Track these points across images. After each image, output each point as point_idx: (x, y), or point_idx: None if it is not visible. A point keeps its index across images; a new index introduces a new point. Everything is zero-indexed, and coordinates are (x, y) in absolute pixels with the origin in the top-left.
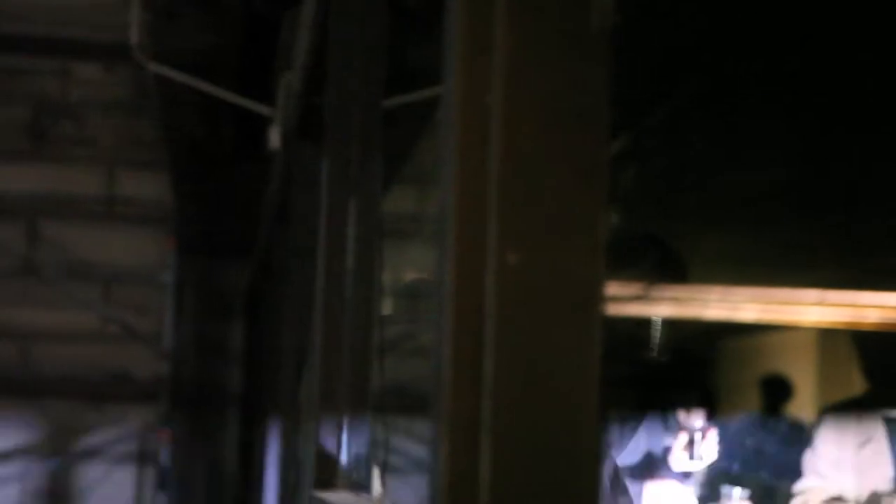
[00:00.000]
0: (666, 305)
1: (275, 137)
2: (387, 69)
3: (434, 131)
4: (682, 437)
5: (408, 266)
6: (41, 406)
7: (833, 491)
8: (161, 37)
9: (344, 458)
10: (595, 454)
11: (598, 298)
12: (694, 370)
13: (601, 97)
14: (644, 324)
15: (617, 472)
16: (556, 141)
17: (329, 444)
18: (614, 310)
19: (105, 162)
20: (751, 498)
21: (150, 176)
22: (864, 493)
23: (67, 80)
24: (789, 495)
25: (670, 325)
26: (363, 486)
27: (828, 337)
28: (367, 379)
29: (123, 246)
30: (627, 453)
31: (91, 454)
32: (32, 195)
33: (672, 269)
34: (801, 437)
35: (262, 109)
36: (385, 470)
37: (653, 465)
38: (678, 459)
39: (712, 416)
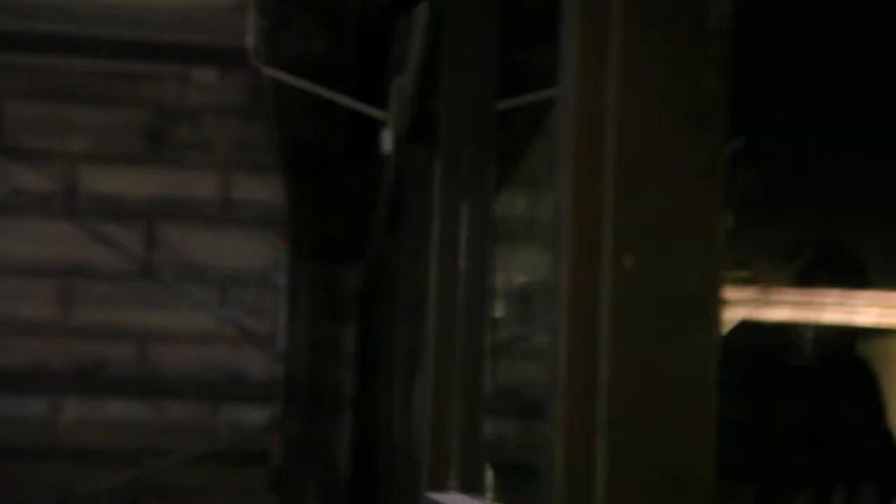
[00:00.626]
0: (784, 309)
1: (387, 141)
2: (499, 72)
3: (547, 133)
4: None
5: (519, 268)
6: (158, 406)
7: None
8: (276, 42)
9: (457, 459)
10: (711, 457)
11: (715, 301)
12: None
13: (717, 99)
14: (792, 328)
15: None
16: (672, 143)
17: (442, 445)
18: (761, 315)
19: (220, 166)
20: None
21: (264, 179)
22: None
23: (185, 86)
24: None
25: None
26: (476, 488)
27: None
28: (479, 381)
29: (238, 249)
30: None
31: (206, 454)
32: (150, 199)
33: (852, 274)
34: None
35: (375, 113)
36: (498, 471)
37: None
38: None
39: None
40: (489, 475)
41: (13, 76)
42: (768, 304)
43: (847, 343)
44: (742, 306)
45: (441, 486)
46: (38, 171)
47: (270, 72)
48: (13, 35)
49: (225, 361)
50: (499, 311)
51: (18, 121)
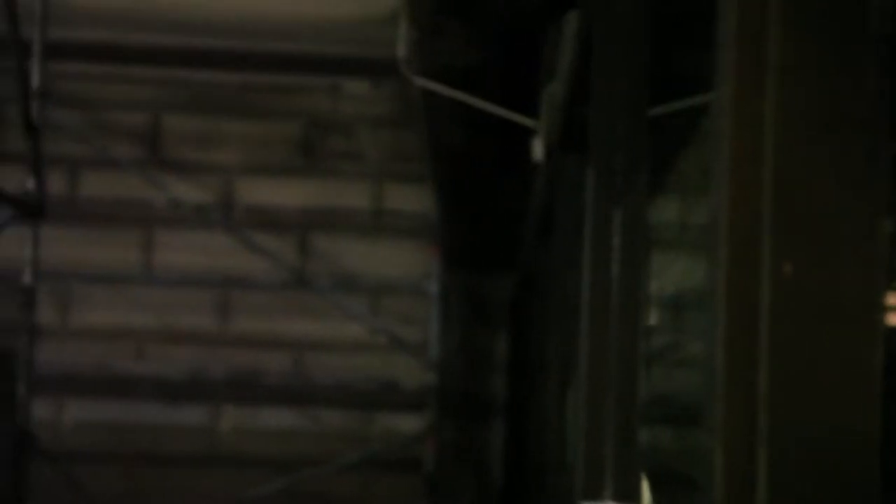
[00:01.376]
0: None
1: (538, 149)
2: (651, 78)
3: (700, 139)
4: None
5: (673, 276)
6: (313, 414)
7: None
8: (427, 52)
9: (612, 468)
10: (874, 467)
11: (877, 307)
12: None
13: (877, 101)
14: None
15: None
16: (832, 148)
17: (596, 454)
18: None
19: (372, 176)
20: None
21: (415, 189)
22: None
23: (337, 97)
24: None
25: None
26: (631, 497)
27: None
28: (634, 389)
29: (390, 258)
30: None
31: (360, 462)
32: (303, 209)
33: None
34: None
35: (526, 121)
36: (654, 480)
37: None
38: None
39: None
40: (644, 484)
41: (171, 91)
42: None
43: None
44: None
45: (596, 496)
46: (195, 183)
47: (421, 82)
48: (171, 50)
49: (378, 370)
50: (653, 318)
51: (176, 134)
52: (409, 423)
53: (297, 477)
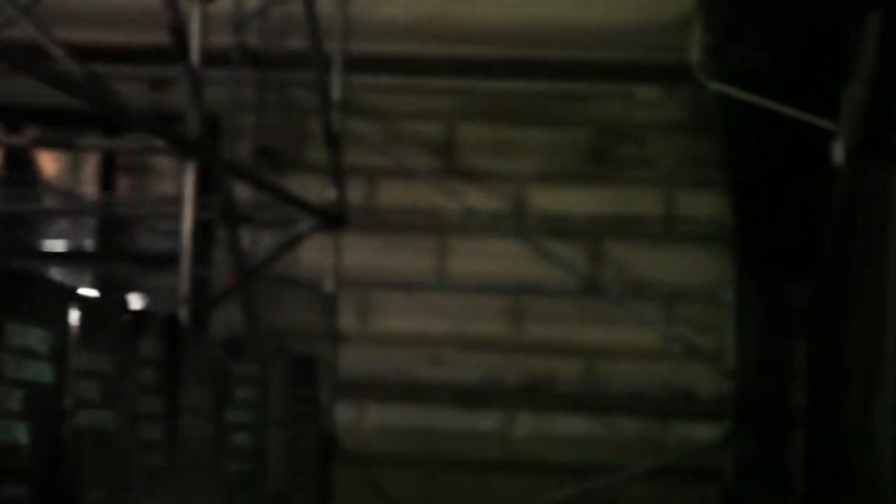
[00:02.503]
0: None
1: (838, 152)
2: None
3: None
4: None
5: None
6: (607, 421)
7: None
8: (721, 56)
9: None
10: None
11: None
12: None
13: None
14: None
15: None
16: None
17: None
18: None
19: (664, 182)
20: None
21: (709, 194)
22: None
23: (628, 103)
24: None
25: None
26: None
27: None
28: None
29: (683, 264)
30: None
31: (655, 470)
32: (595, 216)
33: None
34: None
35: (825, 124)
36: None
37: None
38: None
39: None
40: None
41: (464, 100)
42: None
43: None
44: None
45: None
46: (488, 191)
47: (716, 86)
48: (465, 61)
49: (672, 377)
50: None
51: (469, 143)
52: (705, 432)
53: (590, 484)
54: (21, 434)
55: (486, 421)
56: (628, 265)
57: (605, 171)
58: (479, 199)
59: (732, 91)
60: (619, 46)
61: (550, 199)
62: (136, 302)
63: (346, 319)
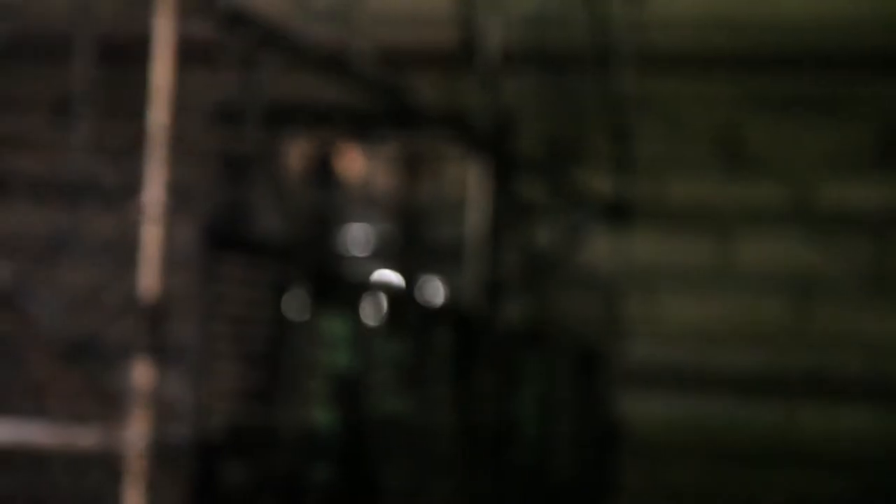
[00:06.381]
0: None
1: None
2: None
3: None
4: None
5: None
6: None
7: None
8: None
9: None
10: None
11: None
12: None
13: None
14: None
15: None
16: None
17: None
18: None
19: None
20: None
21: None
22: None
23: None
24: None
25: None
26: None
27: None
28: None
29: None
30: None
31: None
32: (882, 208)
33: None
34: None
35: None
36: None
37: None
38: None
39: None
40: None
41: (750, 92)
42: None
43: None
44: None
45: None
46: (773, 183)
47: None
48: (750, 55)
49: None
50: None
51: (753, 136)
52: None
53: (876, 478)
54: (331, 420)
55: (769, 413)
56: None
57: (893, 163)
58: (763, 192)
59: None
60: None
61: (837, 192)
62: (432, 294)
63: (631, 311)
